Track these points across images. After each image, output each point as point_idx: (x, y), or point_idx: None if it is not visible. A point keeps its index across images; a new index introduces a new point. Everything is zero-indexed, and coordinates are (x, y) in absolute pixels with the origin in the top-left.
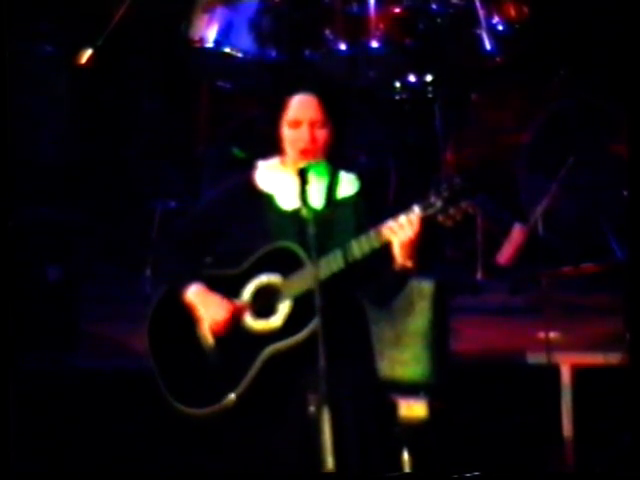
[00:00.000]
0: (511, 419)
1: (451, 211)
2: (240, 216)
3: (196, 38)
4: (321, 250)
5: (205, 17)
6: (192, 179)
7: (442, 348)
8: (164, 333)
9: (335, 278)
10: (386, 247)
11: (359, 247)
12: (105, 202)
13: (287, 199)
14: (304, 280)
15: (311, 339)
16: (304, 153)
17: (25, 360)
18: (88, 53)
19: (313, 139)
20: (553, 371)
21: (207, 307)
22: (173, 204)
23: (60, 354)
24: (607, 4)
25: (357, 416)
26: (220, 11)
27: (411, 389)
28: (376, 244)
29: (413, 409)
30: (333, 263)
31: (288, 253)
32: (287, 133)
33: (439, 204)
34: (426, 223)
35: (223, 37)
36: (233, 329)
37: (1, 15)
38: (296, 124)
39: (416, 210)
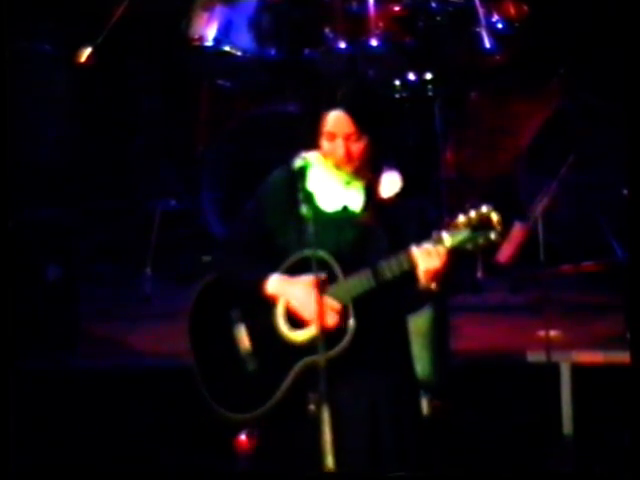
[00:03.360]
0: (511, 418)
1: (480, 241)
2: (280, 210)
3: (196, 37)
4: (358, 254)
5: (205, 16)
6: (192, 179)
7: (442, 347)
8: (203, 334)
9: (369, 294)
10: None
11: (389, 269)
12: (105, 202)
13: (328, 200)
14: (337, 294)
15: (344, 355)
16: (340, 164)
17: (25, 360)
18: (87, 52)
19: (348, 152)
20: (553, 370)
21: (295, 292)
22: (173, 204)
23: (60, 354)
24: (607, 3)
25: (395, 423)
26: (220, 10)
27: None
28: (406, 267)
29: None
30: (366, 282)
31: (321, 263)
32: (325, 145)
33: (466, 233)
34: (453, 252)
35: (223, 36)
36: (271, 336)
37: (1, 15)
38: (332, 137)
39: (445, 237)
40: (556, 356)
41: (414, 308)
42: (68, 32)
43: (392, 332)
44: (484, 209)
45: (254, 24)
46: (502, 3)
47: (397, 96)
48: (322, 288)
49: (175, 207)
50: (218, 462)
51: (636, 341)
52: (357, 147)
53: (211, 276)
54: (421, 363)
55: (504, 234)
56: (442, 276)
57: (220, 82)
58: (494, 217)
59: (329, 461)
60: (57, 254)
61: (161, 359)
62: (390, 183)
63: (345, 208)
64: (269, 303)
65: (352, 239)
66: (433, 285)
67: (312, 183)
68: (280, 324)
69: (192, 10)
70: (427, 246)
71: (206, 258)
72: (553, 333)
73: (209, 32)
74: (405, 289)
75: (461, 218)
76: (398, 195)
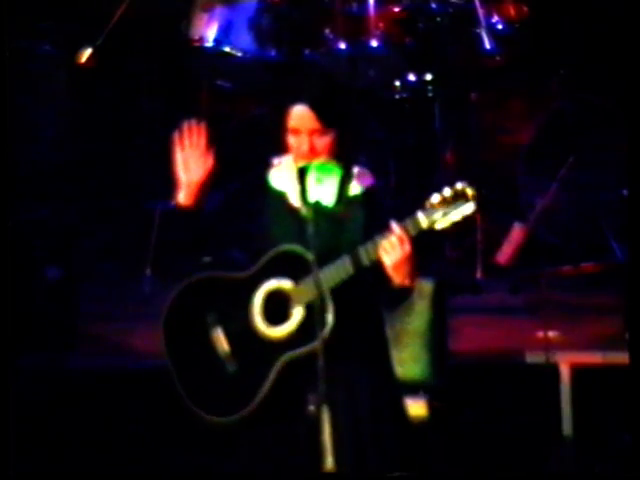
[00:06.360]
0: (511, 419)
1: (455, 216)
2: (254, 213)
3: (196, 37)
4: (332, 248)
5: (205, 16)
6: None
7: (441, 347)
8: (179, 337)
9: (347, 284)
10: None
11: (367, 253)
12: (105, 202)
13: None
14: (315, 285)
15: (327, 345)
16: (304, 158)
17: (25, 360)
18: (88, 53)
19: (312, 148)
20: (552, 371)
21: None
22: (173, 204)
23: (60, 354)
24: (607, 4)
25: (374, 419)
26: (220, 10)
27: (410, 388)
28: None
29: (412, 409)
30: (342, 270)
31: (297, 257)
32: (290, 139)
33: (442, 211)
34: (419, 234)
35: (223, 36)
36: (249, 336)
37: (1, 15)
38: (296, 132)
39: (419, 216)
40: (555, 357)
41: (394, 305)
42: (68, 32)
43: (369, 328)
44: (459, 185)
45: (254, 25)
46: (502, 4)
47: (397, 97)
48: None
49: (175, 207)
50: (218, 462)
51: (635, 342)
52: (322, 142)
53: (189, 279)
54: (420, 364)
55: (479, 207)
56: (411, 266)
57: (220, 83)
58: (469, 192)
59: (329, 461)
60: (57, 254)
61: (161, 359)
62: (361, 179)
63: (317, 203)
64: (245, 303)
65: (326, 233)
66: (407, 280)
67: (283, 183)
68: (257, 322)
69: (192, 11)
70: (391, 238)
71: (206, 259)
72: (552, 334)
73: (209, 33)
74: (382, 289)
75: (436, 197)
76: (366, 194)
